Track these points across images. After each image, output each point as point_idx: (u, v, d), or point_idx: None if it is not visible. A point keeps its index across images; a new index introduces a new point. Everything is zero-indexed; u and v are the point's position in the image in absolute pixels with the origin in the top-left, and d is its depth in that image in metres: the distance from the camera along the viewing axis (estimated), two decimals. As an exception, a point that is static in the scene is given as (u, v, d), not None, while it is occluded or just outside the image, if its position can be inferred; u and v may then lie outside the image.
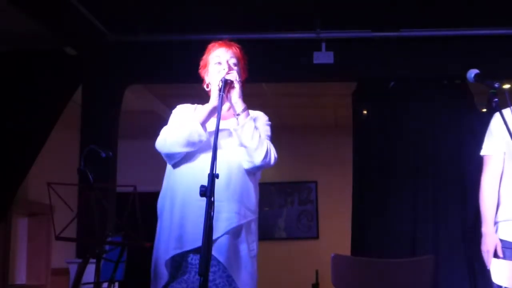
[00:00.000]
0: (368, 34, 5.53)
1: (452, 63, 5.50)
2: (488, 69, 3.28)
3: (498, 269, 2.94)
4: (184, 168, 2.59)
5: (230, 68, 2.62)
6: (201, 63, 2.77)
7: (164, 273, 2.54)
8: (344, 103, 6.64)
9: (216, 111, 2.48)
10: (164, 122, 2.73)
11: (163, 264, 2.54)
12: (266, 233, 8.30)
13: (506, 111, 2.81)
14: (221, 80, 2.54)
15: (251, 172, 2.62)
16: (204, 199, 2.15)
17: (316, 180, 8.90)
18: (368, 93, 5.82)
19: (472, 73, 2.88)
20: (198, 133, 2.53)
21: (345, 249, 5.45)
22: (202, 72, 2.77)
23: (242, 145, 2.57)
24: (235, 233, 2.53)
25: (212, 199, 2.15)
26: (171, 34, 5.52)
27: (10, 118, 5.44)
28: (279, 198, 8.92)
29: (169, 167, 2.68)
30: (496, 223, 3.22)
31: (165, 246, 2.55)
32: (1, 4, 4.49)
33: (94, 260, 3.64)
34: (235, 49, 2.73)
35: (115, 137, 5.52)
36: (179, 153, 2.57)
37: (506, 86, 6.01)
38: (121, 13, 5.22)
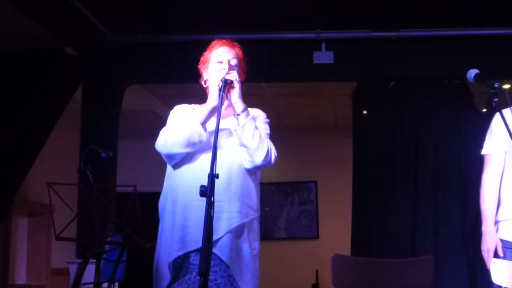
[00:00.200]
0: (368, 34, 5.53)
1: (452, 63, 5.50)
2: (488, 69, 3.27)
3: (498, 269, 2.94)
4: (185, 169, 2.59)
5: (230, 68, 2.62)
6: (202, 58, 2.76)
7: (166, 275, 2.54)
8: (344, 103, 6.65)
9: (216, 111, 2.48)
10: (164, 122, 2.73)
11: (166, 266, 2.54)
12: (266, 233, 8.30)
13: (506, 111, 2.81)
14: (221, 80, 2.53)
15: (252, 171, 2.62)
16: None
17: (316, 180, 8.90)
18: (368, 93, 5.82)
19: (472, 73, 2.88)
20: (199, 133, 2.53)
21: (345, 249, 5.45)
22: (201, 67, 2.77)
23: (242, 145, 2.57)
24: (237, 232, 2.53)
25: (212, 199, 2.15)
26: (171, 34, 5.52)
27: (10, 118, 5.44)
28: (279, 198, 8.92)
29: (169, 168, 2.67)
30: (496, 222, 3.22)
31: (167, 248, 2.55)
32: (1, 4, 4.48)
33: (94, 260, 3.64)
34: (238, 50, 2.73)
35: (115, 137, 5.51)
36: (180, 153, 2.57)
37: (506, 86, 6.02)
38: (121, 13, 5.22)
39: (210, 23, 5.08)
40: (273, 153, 2.61)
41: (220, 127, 2.36)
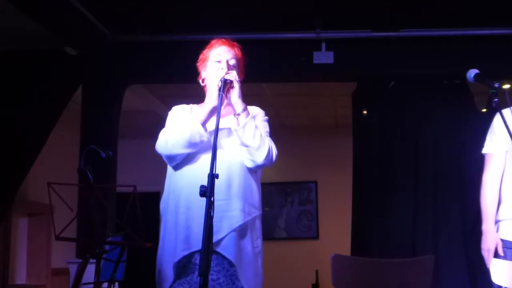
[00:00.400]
0: (368, 34, 5.53)
1: (452, 63, 5.50)
2: (488, 69, 3.27)
3: (498, 269, 2.94)
4: (186, 169, 2.58)
5: (229, 68, 2.61)
6: (201, 56, 2.76)
7: (169, 275, 2.54)
8: (344, 103, 6.65)
9: (216, 111, 2.48)
10: (164, 122, 2.72)
11: (169, 266, 2.53)
12: (266, 233, 8.20)
13: (506, 111, 2.81)
14: (221, 80, 2.53)
15: (253, 170, 2.62)
16: (209, 199, 2.15)
17: (316, 180, 8.90)
18: (368, 93, 5.82)
19: (472, 73, 2.88)
20: (200, 134, 2.52)
21: (345, 249, 5.45)
22: (200, 65, 2.76)
23: (243, 144, 2.57)
24: (240, 230, 2.53)
25: (212, 199, 2.15)
26: (171, 34, 5.52)
27: (10, 118, 5.44)
28: (279, 198, 8.92)
29: (170, 169, 2.66)
30: (497, 222, 3.21)
31: (171, 249, 2.54)
32: (1, 4, 4.48)
33: (94, 260, 3.64)
34: (237, 50, 2.72)
35: (115, 137, 5.51)
36: (181, 154, 2.56)
37: (506, 86, 6.02)
38: (121, 13, 5.22)
39: (210, 23, 5.07)
40: (274, 151, 2.60)
41: (220, 126, 2.35)
